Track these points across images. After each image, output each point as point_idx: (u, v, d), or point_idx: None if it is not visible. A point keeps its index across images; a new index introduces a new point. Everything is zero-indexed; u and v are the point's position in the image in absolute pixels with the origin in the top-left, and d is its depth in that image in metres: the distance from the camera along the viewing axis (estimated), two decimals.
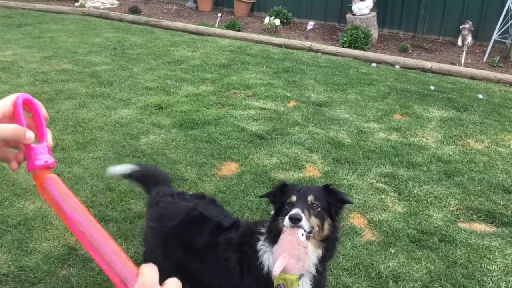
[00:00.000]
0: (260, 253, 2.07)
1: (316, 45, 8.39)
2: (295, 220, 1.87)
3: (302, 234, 1.87)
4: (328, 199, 2.05)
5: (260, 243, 2.08)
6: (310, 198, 1.99)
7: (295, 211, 1.90)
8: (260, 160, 4.26)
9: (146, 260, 2.48)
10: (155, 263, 0.79)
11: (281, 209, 2.04)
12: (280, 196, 2.10)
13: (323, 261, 2.02)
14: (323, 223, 1.98)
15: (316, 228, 1.96)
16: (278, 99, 5.82)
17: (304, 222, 1.88)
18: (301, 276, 1.87)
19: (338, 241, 2.09)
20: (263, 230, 2.11)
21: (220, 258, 2.20)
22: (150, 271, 0.76)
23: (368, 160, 4.37)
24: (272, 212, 2.16)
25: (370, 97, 6.07)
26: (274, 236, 1.99)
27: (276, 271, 1.81)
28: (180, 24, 9.63)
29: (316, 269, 2.01)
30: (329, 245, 2.01)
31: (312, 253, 1.96)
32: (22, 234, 3.11)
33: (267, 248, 2.04)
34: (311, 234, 1.94)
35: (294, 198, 2.00)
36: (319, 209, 1.99)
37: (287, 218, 1.90)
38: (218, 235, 2.24)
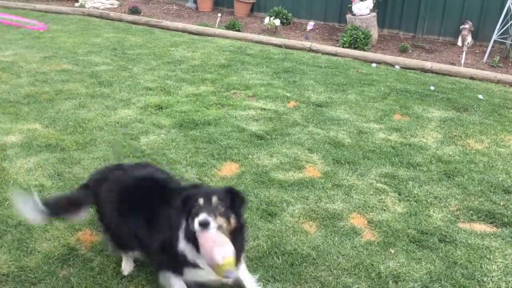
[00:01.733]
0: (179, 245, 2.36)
1: (316, 46, 8.40)
2: (205, 225, 2.15)
3: (214, 228, 2.18)
4: (230, 198, 2.32)
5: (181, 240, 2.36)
6: (214, 200, 2.26)
7: (203, 216, 2.16)
8: (260, 161, 4.27)
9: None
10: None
11: (188, 211, 2.28)
12: (188, 204, 2.30)
13: (236, 248, 2.25)
14: (229, 219, 2.28)
15: (224, 225, 2.26)
16: (278, 100, 5.82)
17: (213, 225, 2.17)
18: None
19: (244, 229, 2.45)
20: (182, 232, 2.35)
21: (160, 229, 2.48)
22: None
23: (368, 160, 4.37)
24: None
25: (370, 98, 6.07)
26: (191, 239, 2.28)
27: (220, 260, 2.12)
28: (180, 25, 9.63)
29: None
30: (237, 235, 2.34)
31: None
32: (22, 234, 3.11)
33: (188, 246, 2.31)
34: (221, 229, 2.24)
35: (201, 201, 2.25)
36: (223, 209, 2.26)
37: (196, 223, 2.16)
38: (162, 207, 2.50)
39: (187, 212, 2.30)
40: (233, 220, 2.30)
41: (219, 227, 2.22)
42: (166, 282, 2.55)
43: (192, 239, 2.27)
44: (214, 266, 2.16)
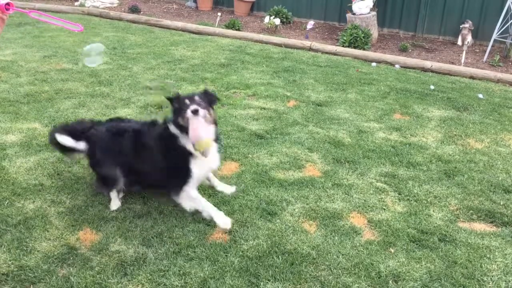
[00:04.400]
0: (177, 137, 3.17)
1: (316, 45, 8.39)
2: (195, 112, 2.99)
3: (203, 117, 3.03)
4: (206, 98, 3.19)
5: (172, 131, 3.18)
6: (197, 98, 3.11)
7: (193, 106, 3.01)
8: (260, 160, 4.26)
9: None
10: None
11: (180, 110, 3.07)
12: (177, 104, 3.14)
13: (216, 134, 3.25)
14: (209, 112, 3.14)
15: (207, 116, 3.10)
16: (278, 99, 5.82)
17: (201, 112, 3.01)
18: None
19: (217, 123, 3.31)
20: (171, 125, 3.19)
21: (150, 151, 3.26)
22: None
23: (368, 160, 4.37)
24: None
25: (370, 97, 6.07)
26: (182, 126, 3.09)
27: (203, 137, 3.04)
28: (180, 24, 9.62)
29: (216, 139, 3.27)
30: (215, 125, 3.25)
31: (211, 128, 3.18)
32: (21, 234, 3.10)
33: (181, 135, 3.14)
34: (205, 119, 3.09)
35: (187, 101, 3.07)
36: (204, 104, 3.11)
37: (189, 112, 2.99)
38: (141, 138, 3.31)
39: (177, 110, 3.10)
40: (211, 113, 3.16)
41: (204, 117, 3.04)
42: (186, 200, 3.30)
43: (183, 128, 3.08)
44: (197, 142, 3.01)
